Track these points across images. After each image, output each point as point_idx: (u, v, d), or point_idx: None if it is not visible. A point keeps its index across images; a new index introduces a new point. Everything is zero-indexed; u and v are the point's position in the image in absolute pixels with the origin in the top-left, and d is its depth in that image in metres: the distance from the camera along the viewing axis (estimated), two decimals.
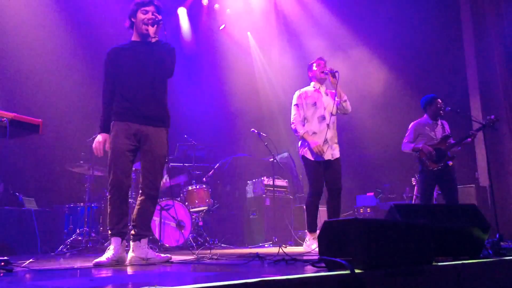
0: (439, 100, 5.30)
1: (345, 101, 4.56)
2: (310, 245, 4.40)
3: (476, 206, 3.06)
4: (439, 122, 5.33)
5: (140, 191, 3.33)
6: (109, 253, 3.12)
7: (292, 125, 4.59)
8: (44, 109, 7.20)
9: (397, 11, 8.47)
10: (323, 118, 4.52)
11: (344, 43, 9.29)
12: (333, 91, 4.59)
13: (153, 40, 3.38)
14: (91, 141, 4.12)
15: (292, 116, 4.62)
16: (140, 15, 3.38)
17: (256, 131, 6.63)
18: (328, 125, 4.49)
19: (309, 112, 4.55)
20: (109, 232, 3.23)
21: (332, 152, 4.50)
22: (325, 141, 4.44)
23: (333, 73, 4.47)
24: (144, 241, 3.27)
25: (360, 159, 9.20)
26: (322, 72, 4.59)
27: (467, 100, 7.80)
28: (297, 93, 4.68)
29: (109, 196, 3.23)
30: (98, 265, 3.03)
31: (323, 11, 9.47)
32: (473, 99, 7.74)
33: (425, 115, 5.38)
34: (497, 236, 4.43)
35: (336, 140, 4.57)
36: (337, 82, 4.46)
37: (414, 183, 6.96)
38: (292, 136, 9.69)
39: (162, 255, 3.36)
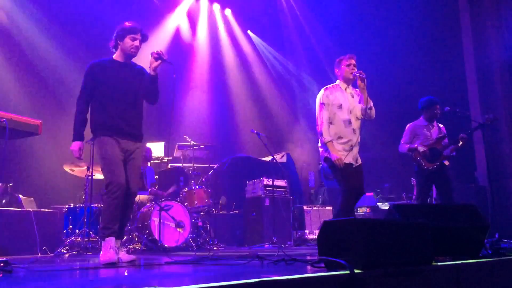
0: (437, 106, 5.30)
1: (370, 108, 4.25)
2: None
3: (476, 206, 3.06)
4: (434, 124, 5.38)
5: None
6: (112, 251, 3.32)
7: (318, 127, 4.22)
8: (44, 110, 7.20)
9: (396, 12, 8.48)
10: (349, 122, 4.21)
11: (342, 43, 9.29)
12: (359, 91, 4.32)
13: (153, 73, 3.62)
14: (90, 142, 4.16)
15: (318, 117, 4.23)
16: (129, 41, 3.62)
17: (255, 131, 6.63)
18: (354, 130, 4.20)
19: (334, 114, 4.21)
20: (107, 231, 3.39)
21: (357, 158, 4.23)
22: (351, 147, 4.16)
23: (362, 78, 4.18)
24: (118, 241, 3.51)
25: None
26: (351, 73, 4.26)
27: (466, 100, 7.81)
28: (323, 91, 4.29)
29: (109, 198, 3.39)
30: (109, 263, 3.23)
31: (323, 10, 9.47)
32: (472, 99, 7.74)
33: (421, 117, 5.42)
34: (497, 235, 4.45)
35: (358, 145, 4.28)
36: (365, 87, 4.19)
37: (413, 183, 6.96)
38: (291, 136, 9.73)
39: (127, 256, 3.52)
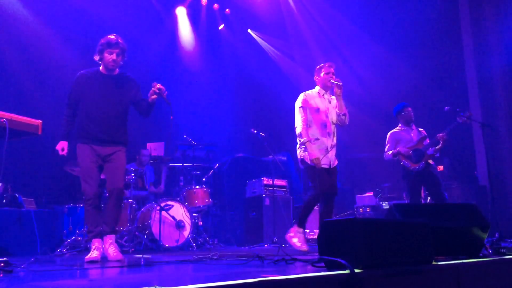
0: (409, 108, 5.50)
1: (344, 114, 4.52)
2: (292, 238, 4.48)
3: (476, 205, 3.06)
4: (413, 127, 5.51)
5: (108, 195, 3.86)
6: (96, 251, 3.62)
7: (297, 129, 4.52)
8: (44, 110, 7.20)
9: (397, 12, 8.47)
10: (325, 125, 4.51)
11: (343, 44, 9.29)
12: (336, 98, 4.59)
13: (150, 101, 3.88)
14: None
15: (296, 119, 4.55)
16: (107, 55, 3.81)
17: (255, 131, 6.62)
18: (329, 133, 4.50)
19: (312, 117, 4.51)
20: (90, 234, 3.76)
21: (332, 160, 4.49)
22: (326, 150, 4.45)
23: (339, 85, 4.43)
24: (110, 236, 3.76)
25: (360, 159, 9.19)
26: (329, 80, 4.53)
27: (466, 100, 7.80)
28: (302, 96, 4.60)
29: (86, 206, 3.74)
30: (91, 261, 3.49)
31: (322, 12, 9.46)
32: (472, 99, 7.74)
33: (399, 123, 5.59)
34: (497, 235, 4.45)
35: (335, 148, 4.57)
36: (341, 95, 4.45)
37: None
38: (291, 136, 9.70)
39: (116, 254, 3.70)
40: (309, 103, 4.53)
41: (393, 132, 5.56)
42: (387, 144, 5.54)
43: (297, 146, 4.61)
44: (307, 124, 4.49)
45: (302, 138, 4.45)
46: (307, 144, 4.41)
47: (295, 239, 4.44)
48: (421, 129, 5.56)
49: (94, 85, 3.86)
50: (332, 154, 4.50)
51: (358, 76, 9.10)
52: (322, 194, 4.40)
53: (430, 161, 5.24)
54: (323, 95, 4.63)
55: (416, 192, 5.25)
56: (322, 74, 4.62)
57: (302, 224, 4.53)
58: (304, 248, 4.39)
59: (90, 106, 3.83)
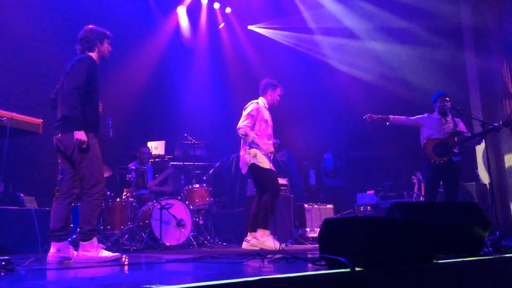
0: (446, 98, 5.40)
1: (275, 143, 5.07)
2: (265, 241, 4.65)
3: (477, 204, 3.06)
4: (449, 119, 5.39)
5: (78, 195, 3.52)
6: (108, 252, 3.41)
7: (241, 130, 4.73)
8: (44, 109, 7.19)
9: (397, 11, 8.47)
10: (271, 136, 4.91)
11: (345, 44, 9.29)
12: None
13: None
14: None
15: (242, 122, 4.76)
16: (107, 45, 3.74)
17: None
18: (273, 143, 4.92)
19: (261, 127, 4.81)
20: (95, 232, 3.43)
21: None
22: (269, 157, 4.80)
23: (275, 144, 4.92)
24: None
25: (360, 157, 9.20)
26: (277, 102, 5.05)
27: (467, 99, 7.80)
28: (254, 105, 4.88)
29: (97, 201, 3.41)
30: (116, 259, 3.34)
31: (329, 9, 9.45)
32: (473, 98, 7.74)
33: (435, 111, 5.51)
34: (498, 233, 4.45)
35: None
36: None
37: (414, 181, 6.95)
38: (292, 135, 9.72)
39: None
40: (261, 114, 4.84)
41: (427, 115, 5.50)
42: (416, 117, 5.53)
43: (244, 153, 4.84)
44: (252, 129, 4.77)
45: (249, 137, 4.68)
46: (256, 140, 4.69)
47: (267, 242, 4.64)
48: (458, 120, 5.43)
49: (98, 75, 3.63)
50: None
51: (357, 76, 9.09)
52: (274, 193, 4.75)
53: (457, 159, 5.13)
54: (267, 108, 5.00)
55: (432, 185, 5.22)
56: (276, 94, 5.00)
57: (267, 226, 4.82)
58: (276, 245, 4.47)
59: (97, 96, 3.58)
